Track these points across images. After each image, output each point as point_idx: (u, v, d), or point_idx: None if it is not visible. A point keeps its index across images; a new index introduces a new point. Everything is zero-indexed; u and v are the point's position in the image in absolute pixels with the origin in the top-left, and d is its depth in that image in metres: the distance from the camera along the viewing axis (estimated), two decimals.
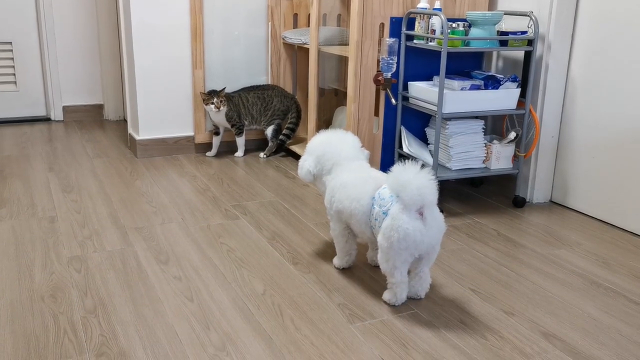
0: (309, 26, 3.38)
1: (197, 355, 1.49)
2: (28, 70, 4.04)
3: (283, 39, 3.36)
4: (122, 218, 2.38)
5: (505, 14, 2.46)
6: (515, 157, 2.57)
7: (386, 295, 1.76)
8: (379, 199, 1.71)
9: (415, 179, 1.59)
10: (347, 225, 1.88)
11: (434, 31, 2.39)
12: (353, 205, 1.78)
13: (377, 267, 1.94)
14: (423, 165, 1.63)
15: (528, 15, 2.44)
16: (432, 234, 1.65)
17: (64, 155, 3.26)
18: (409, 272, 1.73)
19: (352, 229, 1.86)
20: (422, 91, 2.49)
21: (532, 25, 2.43)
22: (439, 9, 2.44)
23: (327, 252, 2.11)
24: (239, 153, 3.32)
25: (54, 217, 2.37)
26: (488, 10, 2.69)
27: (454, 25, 2.38)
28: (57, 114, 4.14)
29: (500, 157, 2.52)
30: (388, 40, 2.46)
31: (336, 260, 1.98)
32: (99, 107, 4.25)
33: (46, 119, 4.14)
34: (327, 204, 1.91)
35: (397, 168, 1.64)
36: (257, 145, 3.46)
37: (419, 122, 2.69)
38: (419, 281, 1.76)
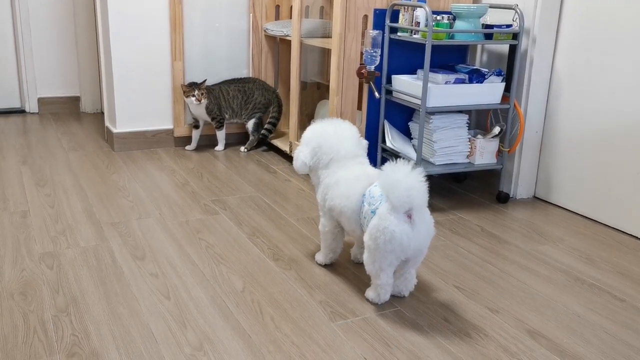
0: (291, 18, 3.33)
1: (173, 355, 1.44)
2: (2, 61, 3.93)
3: (265, 30, 3.30)
4: (97, 213, 2.31)
5: (490, 7, 2.43)
6: (499, 152, 2.55)
7: (370, 294, 1.71)
8: (369, 196, 1.65)
9: (404, 180, 1.51)
10: (338, 223, 1.82)
11: (418, 23, 2.35)
12: (343, 202, 1.72)
13: (360, 264, 1.90)
14: (415, 165, 1.55)
15: (513, 9, 2.41)
16: (420, 238, 1.59)
17: (38, 148, 3.18)
18: (395, 272, 1.68)
19: (343, 226, 1.80)
20: (405, 85, 2.45)
21: (517, 19, 2.40)
22: (424, 1, 2.41)
23: (308, 248, 2.06)
24: (219, 147, 3.26)
25: (26, 211, 2.30)
26: (473, 3, 2.65)
27: (438, 17, 2.34)
28: (32, 106, 4.04)
29: (484, 152, 2.50)
30: (371, 33, 2.42)
31: (319, 257, 1.94)
32: (76, 99, 4.15)
33: (21, 111, 4.04)
34: (319, 200, 1.84)
35: (388, 167, 1.56)
36: (237, 139, 3.40)
37: (403, 116, 2.65)
38: (404, 282, 1.72)
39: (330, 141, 1.79)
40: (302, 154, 1.83)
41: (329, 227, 1.84)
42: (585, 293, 1.82)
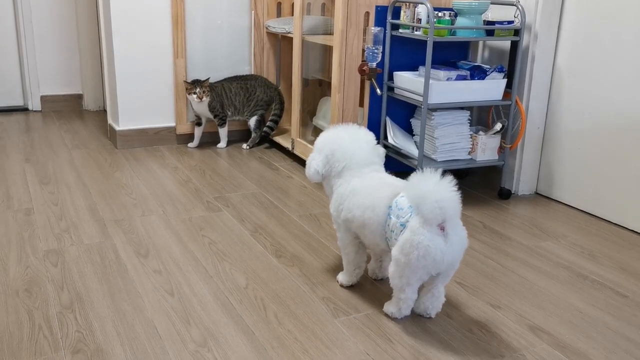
0: (292, 15, 3.33)
1: (177, 352, 1.45)
2: (4, 59, 3.94)
3: (266, 28, 3.30)
4: (101, 210, 2.32)
5: (491, 3, 2.43)
6: (501, 149, 2.55)
7: (389, 308, 1.62)
8: (396, 208, 1.54)
9: (435, 190, 1.42)
10: (357, 236, 1.70)
11: (419, 20, 2.36)
12: (366, 214, 1.60)
13: (378, 280, 1.83)
14: (444, 173, 1.47)
15: (515, 5, 2.42)
16: (454, 252, 1.49)
17: (41, 146, 3.19)
18: (422, 287, 1.60)
19: (363, 240, 1.68)
20: (407, 81, 2.46)
21: (519, 15, 2.40)
22: None
23: (311, 244, 2.07)
24: (222, 144, 3.27)
25: (30, 209, 2.31)
26: (474, 0, 2.65)
27: (440, 14, 2.34)
28: (34, 104, 4.05)
29: (486, 149, 2.50)
30: (373, 30, 2.42)
31: (343, 277, 1.78)
32: (78, 97, 4.16)
33: (23, 109, 4.05)
34: (333, 211, 1.72)
35: (416, 177, 1.48)
36: (239, 136, 3.40)
37: (404, 112, 2.65)
38: (431, 298, 1.60)
39: (344, 148, 1.69)
40: (314, 162, 1.72)
41: (347, 239, 1.72)
42: (587, 289, 1.83)
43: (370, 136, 1.74)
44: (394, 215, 1.54)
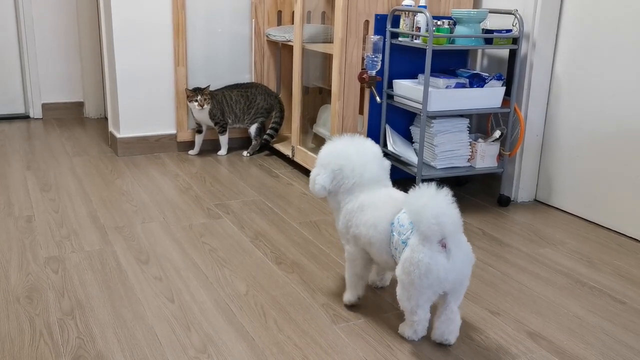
0: (292, 23, 3.35)
1: (178, 358, 1.45)
2: (6, 67, 3.96)
3: (267, 36, 3.32)
4: (101, 217, 2.33)
5: (490, 12, 2.45)
6: (500, 156, 2.56)
7: (406, 331, 1.55)
8: (398, 225, 1.49)
9: (431, 205, 1.36)
10: (367, 252, 1.64)
11: (419, 29, 2.38)
12: (370, 232, 1.55)
13: (377, 288, 1.83)
14: (442, 186, 1.40)
15: (513, 14, 2.43)
16: (459, 269, 1.42)
17: (42, 154, 3.20)
18: (434, 309, 1.53)
19: (373, 257, 1.62)
20: (407, 89, 2.47)
21: (517, 24, 2.42)
22: (424, 6, 2.43)
23: (311, 251, 2.08)
24: (222, 151, 3.28)
25: (31, 216, 2.32)
26: (473, 8, 2.68)
27: (439, 22, 2.36)
28: (36, 112, 4.06)
29: (485, 156, 2.51)
30: (373, 38, 2.44)
31: (348, 296, 1.70)
32: (79, 105, 4.18)
33: (25, 117, 4.07)
34: (341, 227, 1.66)
35: (413, 192, 1.42)
36: (240, 143, 3.42)
37: (404, 120, 2.67)
38: (447, 322, 1.50)
39: (353, 164, 1.61)
40: (319, 177, 1.63)
41: (356, 253, 1.64)
42: (585, 295, 1.84)
43: (377, 149, 1.68)
44: (396, 233, 1.50)
